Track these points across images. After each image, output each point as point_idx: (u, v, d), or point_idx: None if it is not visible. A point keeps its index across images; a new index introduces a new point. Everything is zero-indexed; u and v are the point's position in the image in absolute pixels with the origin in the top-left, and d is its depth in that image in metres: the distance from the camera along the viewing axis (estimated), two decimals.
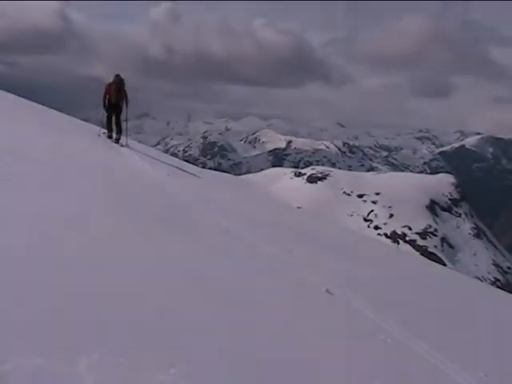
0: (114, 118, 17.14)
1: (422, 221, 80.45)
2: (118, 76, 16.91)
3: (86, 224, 5.22)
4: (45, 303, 2.98)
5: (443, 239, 78.38)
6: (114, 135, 17.10)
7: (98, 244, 4.69)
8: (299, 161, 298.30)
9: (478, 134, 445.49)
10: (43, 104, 23.08)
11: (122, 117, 17.18)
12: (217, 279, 5.14)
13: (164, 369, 2.79)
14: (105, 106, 16.98)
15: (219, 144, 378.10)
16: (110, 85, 16.80)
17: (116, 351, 2.74)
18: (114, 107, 16.97)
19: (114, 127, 17.19)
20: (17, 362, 2.32)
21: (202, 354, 3.18)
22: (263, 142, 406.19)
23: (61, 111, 23.70)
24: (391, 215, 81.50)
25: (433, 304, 8.52)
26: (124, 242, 5.10)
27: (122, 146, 16.66)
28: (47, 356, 2.46)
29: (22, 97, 22.30)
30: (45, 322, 2.78)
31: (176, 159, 25.50)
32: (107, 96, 16.81)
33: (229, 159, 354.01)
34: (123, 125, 17.20)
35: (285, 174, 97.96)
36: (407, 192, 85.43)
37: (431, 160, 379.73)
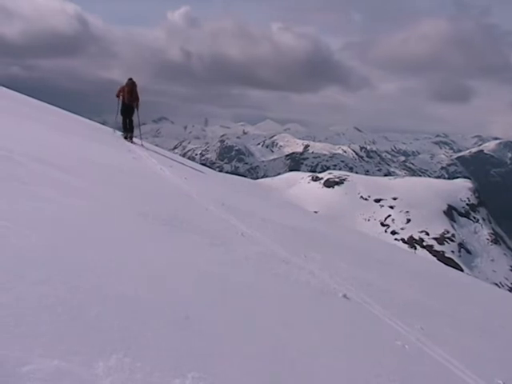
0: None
1: (440, 226, 80.00)
2: (130, 79, 18.60)
3: (103, 226, 5.25)
4: (65, 306, 2.99)
5: (461, 245, 77.86)
6: (128, 134, 18.60)
7: (116, 246, 4.71)
8: (316, 165, 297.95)
9: (497, 138, 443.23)
10: (61, 107, 23.38)
11: (135, 118, 18.72)
12: (233, 282, 5.14)
13: (182, 373, 2.79)
14: (118, 104, 18.69)
15: (236, 148, 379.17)
16: (123, 87, 18.60)
17: (135, 355, 2.75)
18: (126, 108, 18.61)
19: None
20: (35, 364, 2.33)
21: (222, 360, 3.18)
22: (280, 146, 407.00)
23: (79, 114, 24.05)
24: (408, 220, 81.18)
25: (451, 310, 8.45)
26: (140, 245, 5.12)
27: (134, 143, 18.04)
28: (66, 359, 2.47)
29: (40, 100, 22.61)
30: (65, 324, 2.80)
31: (193, 163, 25.62)
32: (121, 97, 18.54)
33: (246, 163, 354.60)
34: (137, 128, 18.78)
35: (302, 178, 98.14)
36: (425, 197, 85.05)
37: (449, 165, 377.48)
